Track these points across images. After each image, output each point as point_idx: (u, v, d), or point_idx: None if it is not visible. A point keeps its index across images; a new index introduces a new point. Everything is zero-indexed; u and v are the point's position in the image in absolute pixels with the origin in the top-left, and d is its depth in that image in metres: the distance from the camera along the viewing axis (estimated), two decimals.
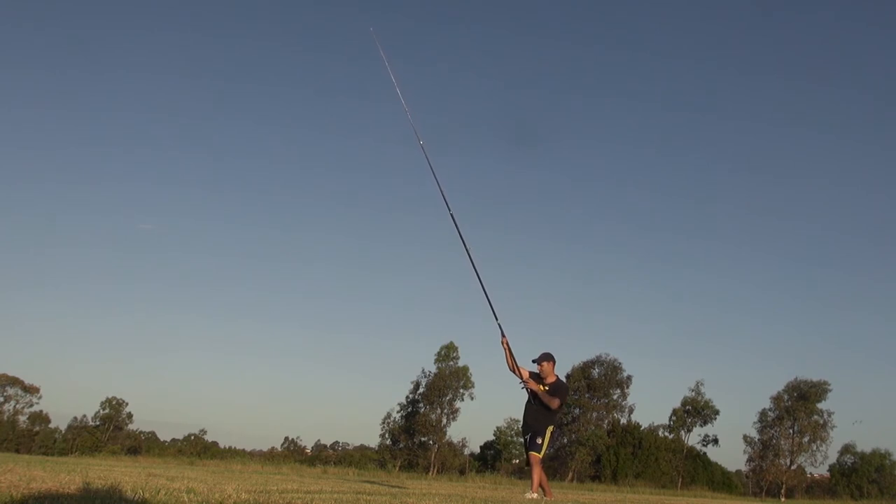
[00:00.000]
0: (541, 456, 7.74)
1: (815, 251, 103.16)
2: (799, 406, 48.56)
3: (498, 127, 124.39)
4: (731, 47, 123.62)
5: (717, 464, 52.41)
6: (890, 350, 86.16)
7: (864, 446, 52.64)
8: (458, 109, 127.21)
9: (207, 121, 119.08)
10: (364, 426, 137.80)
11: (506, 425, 56.89)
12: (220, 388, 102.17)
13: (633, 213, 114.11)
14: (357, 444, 75.10)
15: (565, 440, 50.87)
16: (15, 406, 60.41)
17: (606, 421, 51.73)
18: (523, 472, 52.04)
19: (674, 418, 52.10)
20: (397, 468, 45.84)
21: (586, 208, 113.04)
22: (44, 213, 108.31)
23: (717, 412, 51.40)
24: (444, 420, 50.17)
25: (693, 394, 51.92)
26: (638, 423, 51.87)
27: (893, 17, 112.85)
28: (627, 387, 52.03)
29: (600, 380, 51.57)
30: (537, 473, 7.68)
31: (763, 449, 49.87)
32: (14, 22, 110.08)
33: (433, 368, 51.08)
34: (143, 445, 64.26)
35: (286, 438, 73.74)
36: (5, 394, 59.92)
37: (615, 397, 52.07)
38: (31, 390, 60.60)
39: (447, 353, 51.04)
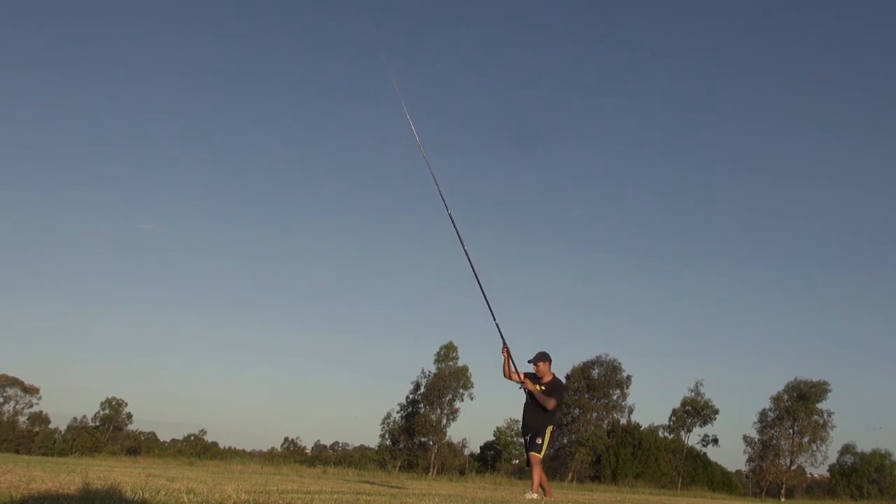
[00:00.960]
0: (541, 456, 7.74)
1: (815, 251, 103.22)
2: (799, 406, 48.55)
3: (498, 127, 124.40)
4: (732, 47, 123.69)
5: (717, 464, 52.43)
6: (890, 350, 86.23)
7: (864, 446, 52.77)
8: (458, 109, 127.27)
9: (207, 121, 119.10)
10: (364, 426, 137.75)
11: (506, 425, 56.95)
12: (220, 388, 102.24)
13: (633, 213, 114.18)
14: (357, 444, 75.12)
15: (565, 440, 50.87)
16: (15, 406, 60.46)
17: (606, 421, 51.74)
18: (523, 472, 52.03)
19: (673, 418, 52.10)
20: (397, 468, 45.84)
21: (586, 208, 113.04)
22: (44, 213, 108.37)
23: (716, 412, 51.49)
24: (444, 420, 50.21)
25: (693, 394, 51.97)
26: (638, 424, 51.94)
27: (893, 17, 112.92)
28: (627, 387, 52.10)
29: (600, 380, 51.58)
30: (537, 474, 7.68)
31: (763, 449, 49.87)
32: (14, 22, 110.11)
33: (433, 368, 51.13)
34: (143, 446, 64.27)
35: (286, 439, 73.80)
36: (5, 394, 59.95)
37: (615, 397, 52.11)
38: (30, 391, 60.62)
39: (447, 353, 51.05)
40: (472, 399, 50.40)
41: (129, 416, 65.57)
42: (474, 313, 67.36)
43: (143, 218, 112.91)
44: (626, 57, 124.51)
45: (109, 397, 64.63)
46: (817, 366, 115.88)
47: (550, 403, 7.77)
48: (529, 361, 7.93)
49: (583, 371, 52.15)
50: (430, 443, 50.31)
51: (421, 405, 50.95)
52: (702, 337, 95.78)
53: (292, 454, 62.85)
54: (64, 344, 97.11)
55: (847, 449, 52.77)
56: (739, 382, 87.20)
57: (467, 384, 50.17)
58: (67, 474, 6.41)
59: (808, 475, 53.49)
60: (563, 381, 8.05)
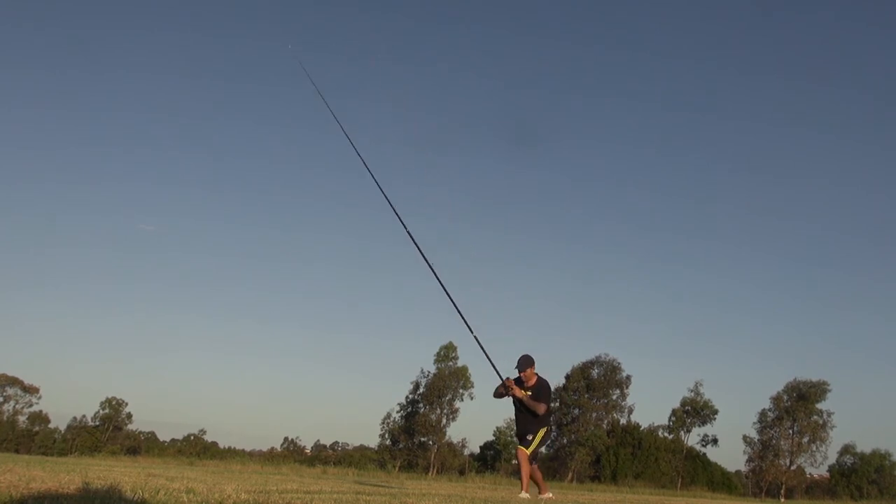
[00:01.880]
0: (528, 452, 7.69)
1: (815, 251, 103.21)
2: (799, 406, 48.56)
3: (498, 127, 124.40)
4: (731, 47, 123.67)
5: (716, 464, 52.42)
6: (890, 350, 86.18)
7: (864, 446, 52.77)
8: (458, 109, 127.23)
9: (207, 121, 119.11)
10: (364, 426, 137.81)
11: (505, 425, 56.90)
12: (220, 388, 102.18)
13: (633, 213, 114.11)
14: (357, 444, 75.12)
15: (565, 440, 50.88)
16: (15, 406, 60.49)
17: (606, 421, 51.74)
18: None
19: (673, 419, 52.09)
20: (397, 468, 45.84)
21: (586, 208, 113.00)
22: (44, 213, 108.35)
23: (716, 412, 51.48)
24: (444, 420, 50.21)
25: (692, 394, 51.97)
26: (637, 424, 51.94)
27: (894, 17, 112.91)
28: (627, 387, 52.11)
29: (600, 380, 51.59)
30: (525, 470, 7.63)
31: (763, 449, 49.87)
32: (14, 22, 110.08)
33: (433, 368, 51.12)
34: (143, 445, 64.27)
35: (286, 438, 73.81)
36: (5, 394, 59.97)
37: (615, 397, 52.12)
38: (30, 390, 60.65)
39: (447, 353, 51.04)
40: (471, 399, 50.45)
41: (129, 415, 65.64)
42: (474, 313, 67.18)
43: (143, 218, 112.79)
44: (626, 57, 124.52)
45: (109, 397, 64.71)
46: (817, 366, 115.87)
47: (541, 409, 7.72)
48: (516, 368, 7.87)
49: (582, 371, 52.16)
50: (430, 443, 50.31)
51: (421, 405, 50.95)
52: (702, 337, 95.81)
53: (292, 454, 62.84)
54: (64, 344, 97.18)
55: (847, 449, 52.80)
56: (739, 382, 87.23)
57: (467, 384, 50.20)
58: (67, 474, 6.41)
59: (808, 475, 53.53)
60: (546, 379, 8.01)
